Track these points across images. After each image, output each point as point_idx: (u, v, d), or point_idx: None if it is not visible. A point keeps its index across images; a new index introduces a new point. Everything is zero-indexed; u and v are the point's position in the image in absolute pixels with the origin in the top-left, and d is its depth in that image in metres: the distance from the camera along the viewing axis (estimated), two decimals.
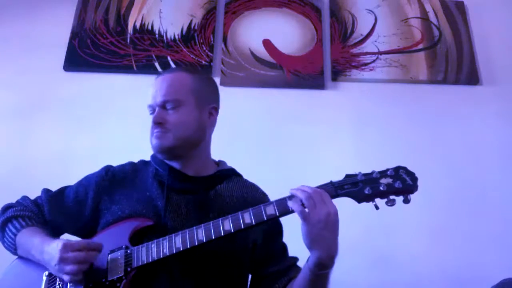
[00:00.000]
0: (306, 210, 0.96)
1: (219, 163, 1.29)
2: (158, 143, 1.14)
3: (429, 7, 2.40)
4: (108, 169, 1.22)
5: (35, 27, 2.27)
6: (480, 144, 2.10)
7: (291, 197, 1.00)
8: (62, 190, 1.22)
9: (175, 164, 1.19)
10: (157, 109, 1.16)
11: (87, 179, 1.22)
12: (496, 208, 1.97)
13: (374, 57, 2.25)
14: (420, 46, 2.30)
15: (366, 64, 2.23)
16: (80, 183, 1.22)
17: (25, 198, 1.22)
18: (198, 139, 1.19)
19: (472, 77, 2.24)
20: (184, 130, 1.15)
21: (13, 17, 2.31)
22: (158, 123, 1.14)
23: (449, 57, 2.28)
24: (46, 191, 1.22)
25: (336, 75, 2.21)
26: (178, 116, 1.15)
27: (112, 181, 1.19)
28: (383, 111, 2.15)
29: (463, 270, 1.85)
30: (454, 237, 1.92)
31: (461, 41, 2.32)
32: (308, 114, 2.13)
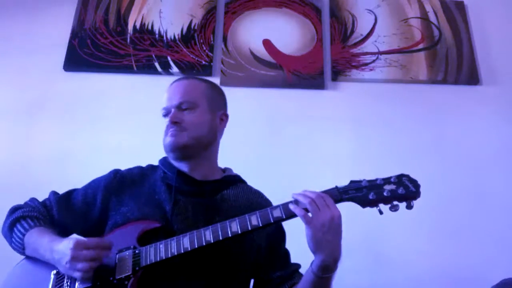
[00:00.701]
0: (310, 214, 0.99)
1: (225, 169, 1.32)
2: (173, 140, 1.18)
3: (429, 7, 2.40)
4: (116, 172, 1.25)
5: (35, 27, 2.27)
6: (480, 144, 2.10)
7: (296, 201, 1.03)
8: (71, 192, 1.24)
9: (183, 167, 1.22)
10: (173, 110, 1.21)
11: (95, 181, 1.25)
12: (496, 208, 1.97)
13: (374, 57, 2.25)
14: (420, 46, 2.30)
15: (366, 64, 2.23)
16: (88, 186, 1.24)
17: (33, 199, 1.24)
18: (210, 141, 1.24)
19: (472, 77, 2.24)
20: (199, 131, 1.20)
21: (13, 17, 2.31)
22: (175, 122, 1.19)
23: (449, 57, 2.28)
24: (54, 193, 1.25)
25: (336, 75, 2.21)
26: (193, 116, 1.21)
27: (121, 183, 1.21)
28: (383, 111, 2.15)
29: (463, 270, 1.85)
30: (454, 237, 1.91)
31: (461, 41, 2.32)
32: (308, 114, 2.13)
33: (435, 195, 1.93)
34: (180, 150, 1.19)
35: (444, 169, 2.03)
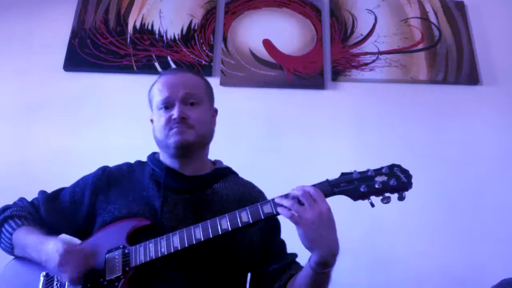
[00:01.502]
0: (296, 214, 0.96)
1: (216, 162, 1.29)
2: (181, 138, 1.13)
3: (429, 7, 2.40)
4: (104, 169, 1.23)
5: (35, 27, 2.27)
6: (480, 144, 2.10)
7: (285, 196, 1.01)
8: (59, 191, 1.23)
9: (174, 164, 1.19)
10: (178, 104, 1.15)
11: (83, 179, 1.23)
12: (496, 208, 1.97)
13: (374, 57, 2.25)
14: (420, 46, 2.30)
15: (366, 64, 2.23)
16: (76, 184, 1.22)
17: (22, 199, 1.23)
18: (209, 138, 1.23)
19: (472, 77, 2.24)
20: (204, 128, 1.18)
21: (14, 17, 2.31)
22: (182, 118, 1.13)
23: (449, 57, 2.28)
24: (42, 192, 1.23)
25: (336, 75, 2.21)
26: (198, 112, 1.17)
27: (109, 181, 1.19)
28: (383, 111, 2.15)
29: (463, 270, 1.85)
30: (454, 237, 1.91)
31: (461, 41, 2.32)
32: (308, 114, 2.13)
33: (435, 195, 1.93)
34: (186, 148, 1.15)
35: (444, 169, 2.03)
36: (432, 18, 2.37)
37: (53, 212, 1.18)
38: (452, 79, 2.23)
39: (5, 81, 2.16)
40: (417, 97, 2.20)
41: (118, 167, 1.24)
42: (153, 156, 1.24)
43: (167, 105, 1.17)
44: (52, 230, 1.16)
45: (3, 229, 1.14)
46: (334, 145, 2.06)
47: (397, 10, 2.38)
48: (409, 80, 2.22)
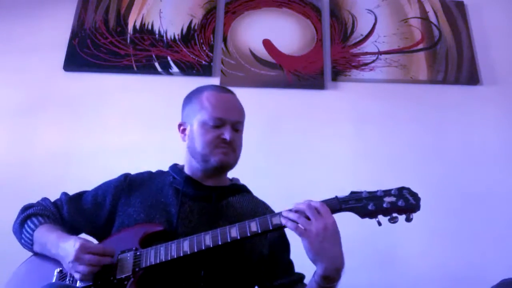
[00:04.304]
0: (301, 226, 0.98)
1: (233, 179, 1.34)
2: (225, 159, 1.20)
3: (429, 7, 2.40)
4: (126, 175, 1.28)
5: (35, 27, 2.28)
6: (480, 144, 2.10)
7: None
8: (81, 194, 1.28)
9: (196, 175, 1.25)
10: (229, 127, 1.21)
11: (106, 184, 1.28)
12: (496, 208, 1.97)
13: (374, 57, 2.25)
14: (420, 46, 2.30)
15: (366, 64, 2.23)
16: (99, 187, 1.28)
17: (45, 199, 1.27)
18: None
19: (472, 77, 2.24)
20: (240, 152, 1.25)
21: (14, 17, 2.31)
22: (231, 142, 1.20)
23: (449, 57, 2.28)
24: (65, 194, 1.28)
25: (336, 75, 2.21)
26: (240, 138, 1.25)
27: (130, 186, 1.25)
28: (383, 111, 2.15)
29: (463, 270, 1.85)
30: (454, 237, 1.91)
31: (461, 41, 2.32)
32: (308, 114, 2.13)
33: (435, 195, 1.92)
34: (225, 168, 1.23)
35: (444, 169, 2.03)
36: (432, 18, 2.37)
37: (75, 212, 1.23)
38: (452, 79, 2.23)
39: (5, 81, 2.16)
40: (417, 97, 2.20)
41: (140, 174, 1.30)
42: (175, 166, 1.30)
43: (219, 125, 1.21)
44: (72, 230, 1.21)
45: (25, 225, 1.19)
46: (334, 145, 2.06)
47: (397, 10, 2.38)
48: (409, 80, 2.22)
